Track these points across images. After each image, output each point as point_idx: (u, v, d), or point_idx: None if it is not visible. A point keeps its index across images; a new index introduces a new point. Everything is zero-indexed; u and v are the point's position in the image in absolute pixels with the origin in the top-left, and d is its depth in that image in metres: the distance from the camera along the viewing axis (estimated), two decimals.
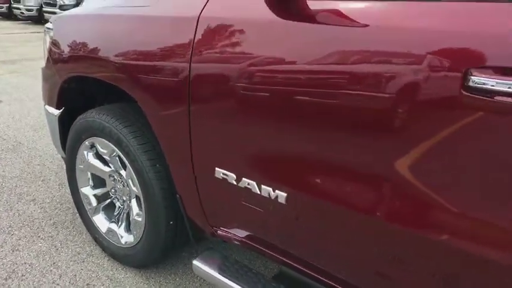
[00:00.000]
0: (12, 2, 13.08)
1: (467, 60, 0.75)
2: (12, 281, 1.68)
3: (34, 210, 2.19)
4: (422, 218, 0.88)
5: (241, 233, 1.34)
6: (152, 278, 1.72)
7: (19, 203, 2.26)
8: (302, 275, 1.23)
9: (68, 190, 1.95)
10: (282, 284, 1.29)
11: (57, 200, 2.29)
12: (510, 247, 0.78)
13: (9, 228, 2.02)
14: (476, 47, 0.75)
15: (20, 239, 1.94)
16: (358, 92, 0.88)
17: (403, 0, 0.90)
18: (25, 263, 1.78)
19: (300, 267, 1.21)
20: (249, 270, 1.34)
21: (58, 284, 1.67)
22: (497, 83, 0.71)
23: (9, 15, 13.48)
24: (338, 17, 0.93)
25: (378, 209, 0.94)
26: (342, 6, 0.93)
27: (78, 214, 1.94)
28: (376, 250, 0.99)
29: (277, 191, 1.09)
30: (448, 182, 0.82)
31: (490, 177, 0.77)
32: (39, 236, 1.97)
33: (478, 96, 0.74)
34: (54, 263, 1.79)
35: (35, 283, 1.67)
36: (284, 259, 1.25)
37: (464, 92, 0.75)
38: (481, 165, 0.78)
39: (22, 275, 1.71)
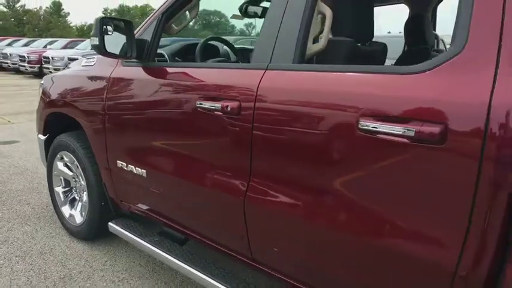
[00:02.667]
0: (43, 63, 14.90)
1: (199, 93, 1.65)
2: (4, 245, 2.55)
3: (27, 210, 3.10)
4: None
5: (141, 206, 2.20)
6: (94, 247, 2.56)
7: (18, 205, 3.18)
8: (173, 230, 2.05)
9: None
10: (161, 236, 2.11)
11: (45, 204, 3.20)
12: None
13: (8, 219, 2.93)
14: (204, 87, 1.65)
15: (14, 225, 2.84)
16: (178, 113, 1.78)
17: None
18: (14, 237, 2.66)
19: (171, 224, 2.04)
20: (140, 226, 2.19)
21: (32, 248, 2.53)
22: (209, 105, 1.60)
23: (40, 74, 15.27)
24: (175, 77, 1.85)
25: (188, 175, 1.80)
26: (178, 71, 1.86)
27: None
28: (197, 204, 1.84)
29: (142, 170, 1.97)
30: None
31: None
32: (27, 223, 2.86)
33: (205, 112, 1.62)
34: (33, 238, 2.66)
35: (18, 247, 2.54)
36: (163, 219, 2.08)
37: (197, 110, 1.64)
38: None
39: (11, 243, 2.59)
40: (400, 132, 1.08)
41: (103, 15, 1.81)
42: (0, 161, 4.35)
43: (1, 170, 4.03)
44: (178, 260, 1.88)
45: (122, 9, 72.73)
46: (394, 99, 1.11)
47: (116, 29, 1.81)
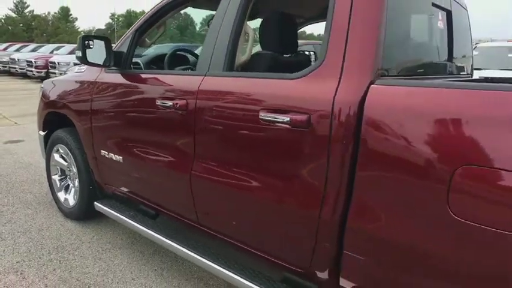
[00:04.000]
0: (49, 68, 15.52)
1: (160, 94, 2.11)
2: (9, 224, 3.02)
3: (29, 197, 3.58)
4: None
5: (121, 188, 2.65)
6: (85, 225, 3.03)
7: (21, 193, 3.66)
8: (148, 208, 2.51)
9: None
10: (137, 211, 2.56)
11: (45, 193, 3.68)
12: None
13: (12, 204, 3.40)
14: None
15: (17, 209, 3.31)
16: (150, 112, 2.24)
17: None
18: (17, 218, 3.13)
19: (143, 201, 2.49)
20: (120, 205, 2.64)
21: (32, 226, 3.00)
22: (167, 103, 2.06)
23: (46, 79, 15.89)
24: (147, 81, 2.31)
25: (152, 159, 2.26)
26: (149, 76, 2.32)
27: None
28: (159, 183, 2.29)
29: (119, 157, 2.43)
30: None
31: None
32: (28, 207, 3.34)
33: (163, 109, 2.08)
34: (33, 218, 3.13)
35: (21, 225, 3.01)
36: (137, 198, 2.54)
37: (158, 107, 2.09)
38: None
39: (14, 222, 3.06)
40: (283, 120, 1.52)
41: (84, 34, 2.29)
42: (7, 157, 4.85)
43: (8, 165, 4.53)
44: (146, 228, 2.33)
45: (129, 14, 73.83)
46: (280, 97, 1.57)
47: (97, 41, 2.28)
